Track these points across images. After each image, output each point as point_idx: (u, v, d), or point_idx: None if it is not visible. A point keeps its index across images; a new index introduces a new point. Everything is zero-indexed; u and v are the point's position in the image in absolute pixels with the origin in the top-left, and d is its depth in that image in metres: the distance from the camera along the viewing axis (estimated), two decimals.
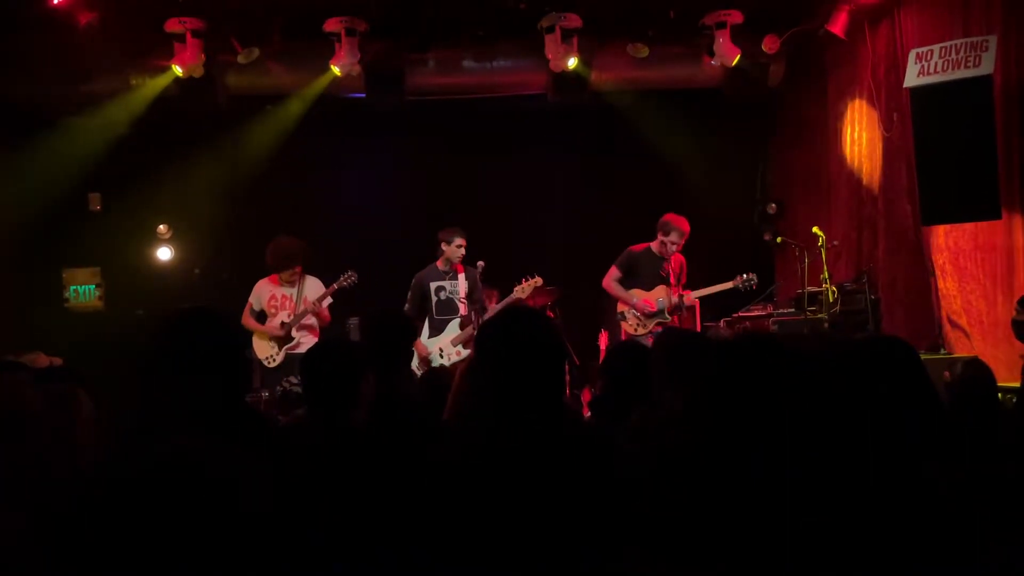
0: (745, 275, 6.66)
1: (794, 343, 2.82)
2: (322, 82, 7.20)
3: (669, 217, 6.55)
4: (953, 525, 1.87)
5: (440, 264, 6.38)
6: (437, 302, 6.38)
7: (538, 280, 6.30)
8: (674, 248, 6.51)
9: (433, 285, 6.39)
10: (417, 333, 6.05)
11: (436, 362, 6.21)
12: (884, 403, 1.99)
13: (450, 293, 6.30)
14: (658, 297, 6.52)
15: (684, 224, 6.50)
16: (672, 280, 6.49)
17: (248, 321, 6.42)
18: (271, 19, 6.96)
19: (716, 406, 2.04)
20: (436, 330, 6.38)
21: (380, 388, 2.76)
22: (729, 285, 6.67)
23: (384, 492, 1.98)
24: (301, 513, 1.81)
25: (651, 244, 6.62)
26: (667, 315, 6.52)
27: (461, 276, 6.35)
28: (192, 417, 1.92)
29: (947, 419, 2.12)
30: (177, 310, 2.08)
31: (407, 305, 6.44)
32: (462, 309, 6.30)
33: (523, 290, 6.27)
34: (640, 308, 6.52)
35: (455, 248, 6.29)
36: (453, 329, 6.34)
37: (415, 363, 6.32)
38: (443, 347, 6.32)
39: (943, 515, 1.87)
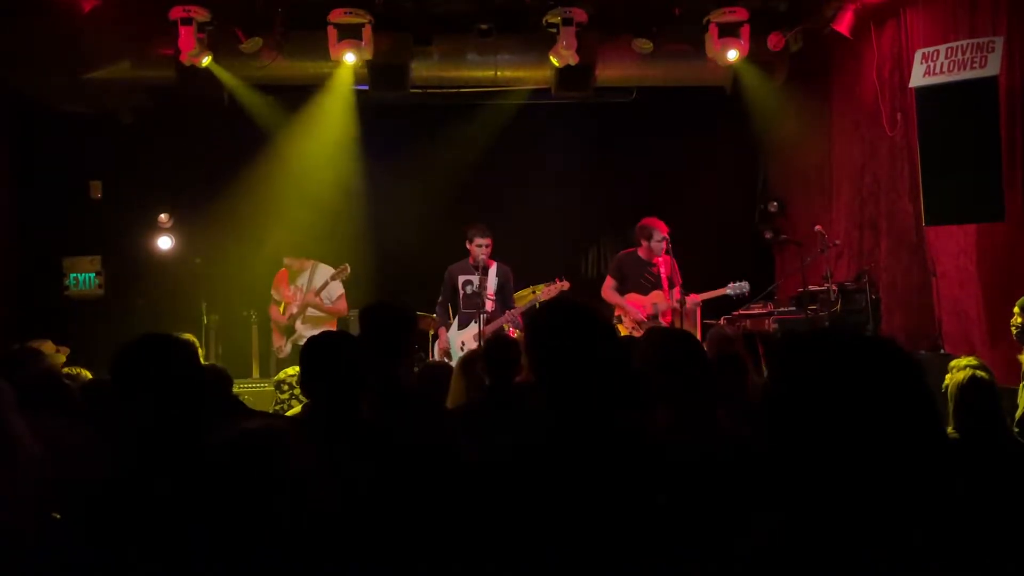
0: (735, 283, 6.61)
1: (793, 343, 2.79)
2: (344, 73, 7.17)
3: (646, 221, 6.65)
4: (958, 529, 1.87)
5: (471, 259, 6.42)
6: (464, 295, 6.42)
7: (565, 284, 6.33)
8: (661, 247, 6.53)
9: (461, 279, 6.44)
10: (417, 323, 6.07)
11: (456, 356, 6.22)
12: (877, 406, 1.97)
13: (477, 288, 6.32)
14: (653, 301, 6.58)
15: (661, 224, 6.59)
16: (664, 284, 6.55)
17: (272, 311, 6.69)
18: (275, 9, 6.94)
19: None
20: (462, 324, 6.42)
21: (380, 380, 2.75)
22: (722, 292, 6.63)
23: (395, 485, 1.96)
24: (311, 508, 1.81)
25: (637, 249, 6.68)
26: (660, 320, 6.58)
27: (492, 272, 6.38)
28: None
29: (942, 422, 2.11)
30: (133, 340, 2.04)
31: (440, 297, 6.50)
32: (488, 305, 6.30)
33: (548, 292, 6.31)
34: (633, 316, 6.57)
35: (475, 247, 6.31)
36: (480, 324, 6.35)
37: (437, 354, 6.36)
38: (465, 341, 6.33)
39: (943, 519, 1.86)
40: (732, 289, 6.59)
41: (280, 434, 1.37)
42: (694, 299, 6.58)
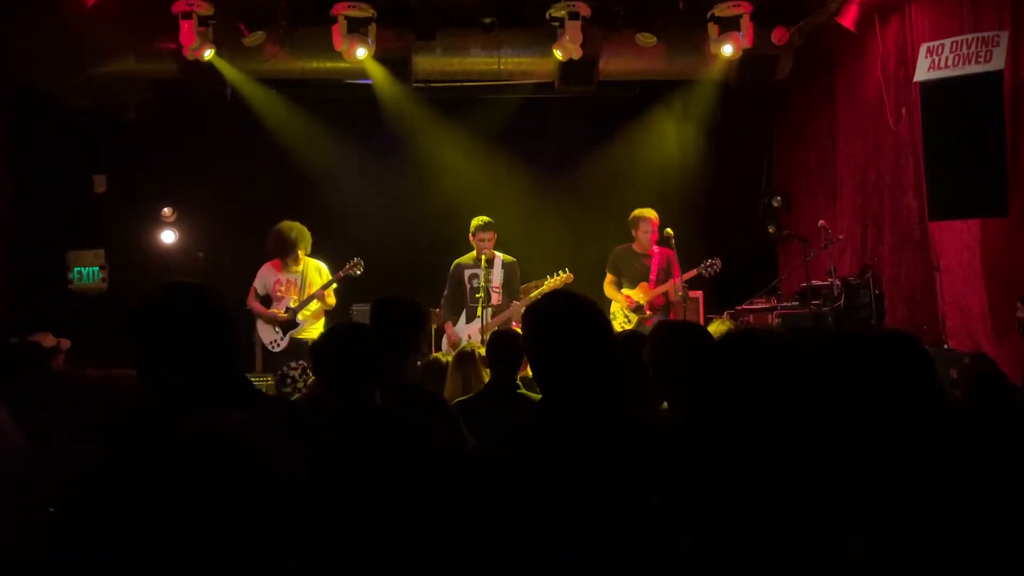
0: (709, 260, 6.65)
1: (798, 339, 2.79)
2: (374, 68, 7.17)
3: (635, 212, 6.76)
4: (962, 521, 1.87)
5: (476, 252, 6.42)
6: (470, 289, 6.45)
7: (569, 276, 6.35)
8: (648, 238, 6.59)
9: (467, 272, 6.48)
10: (429, 320, 6.09)
11: None
12: (893, 399, 1.97)
13: (482, 281, 6.33)
14: (640, 293, 6.66)
15: (649, 215, 6.64)
16: (652, 275, 6.60)
17: (253, 304, 6.51)
18: (278, 3, 6.93)
19: (717, 407, 2.03)
20: (469, 317, 6.43)
21: (387, 373, 2.76)
22: (693, 273, 6.65)
23: (410, 471, 1.96)
24: (326, 490, 1.79)
25: (631, 244, 6.79)
26: (645, 311, 6.62)
27: (497, 264, 6.40)
28: (197, 393, 1.87)
29: (955, 416, 2.12)
30: (164, 285, 1.96)
31: (445, 291, 6.51)
32: (495, 298, 6.32)
33: (553, 284, 6.31)
34: (623, 304, 6.65)
35: (478, 241, 6.34)
36: (485, 318, 6.35)
37: (445, 347, 6.37)
38: (472, 335, 6.34)
39: (953, 511, 1.86)
40: (704, 268, 6.60)
41: (268, 430, 1.33)
42: (673, 291, 6.57)
